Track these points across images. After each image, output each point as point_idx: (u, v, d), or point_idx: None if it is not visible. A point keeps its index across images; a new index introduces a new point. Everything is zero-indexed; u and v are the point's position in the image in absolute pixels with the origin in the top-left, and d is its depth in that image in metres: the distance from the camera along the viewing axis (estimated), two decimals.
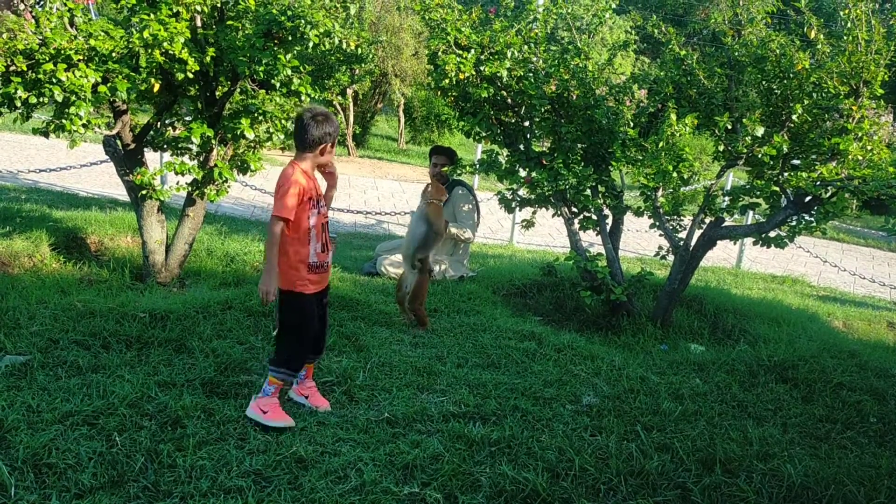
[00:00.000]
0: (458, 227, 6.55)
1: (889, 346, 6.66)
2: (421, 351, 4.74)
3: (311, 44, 4.51)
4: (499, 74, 5.63)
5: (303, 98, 4.87)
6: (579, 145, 6.07)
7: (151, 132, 5.35)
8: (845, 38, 5.31)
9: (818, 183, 5.19)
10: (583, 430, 3.85)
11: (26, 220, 6.39)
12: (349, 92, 17.51)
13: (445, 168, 6.36)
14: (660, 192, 5.71)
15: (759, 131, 5.39)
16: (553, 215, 6.29)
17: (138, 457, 3.10)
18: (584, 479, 3.34)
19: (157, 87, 4.65)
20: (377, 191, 13.16)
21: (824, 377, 4.98)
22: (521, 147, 6.17)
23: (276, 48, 4.60)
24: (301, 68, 4.72)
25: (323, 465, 3.22)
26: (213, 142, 5.08)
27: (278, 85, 4.77)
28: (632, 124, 5.55)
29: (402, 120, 19.37)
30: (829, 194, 5.30)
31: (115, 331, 4.29)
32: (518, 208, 6.43)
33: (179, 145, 5.44)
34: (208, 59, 4.52)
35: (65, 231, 6.24)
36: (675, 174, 5.39)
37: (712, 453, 3.66)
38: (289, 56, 4.57)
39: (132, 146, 5.25)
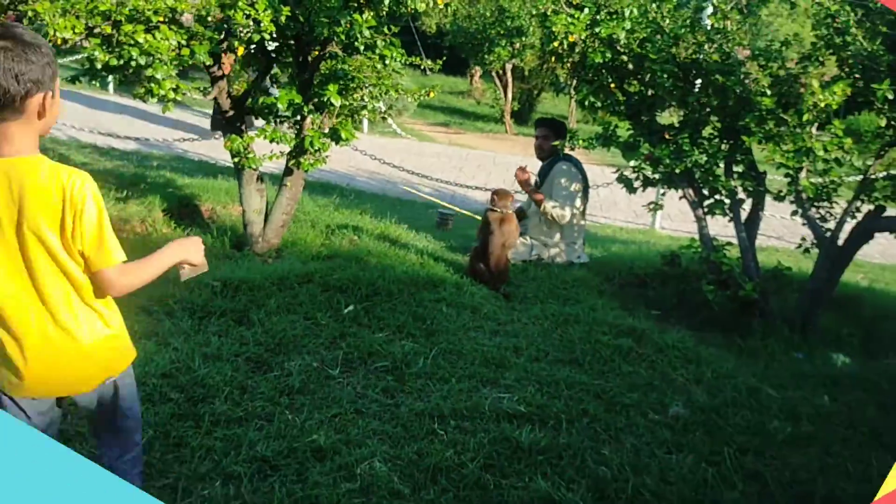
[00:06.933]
0: (552, 204, 5.93)
1: None
2: (499, 340, 4.32)
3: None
4: (615, 36, 5.03)
5: (387, 62, 4.56)
6: (713, 118, 5.33)
7: (249, 99, 5.28)
8: None
9: None
10: (657, 446, 3.29)
11: (151, 186, 6.60)
12: (508, 67, 17.09)
13: (557, 143, 5.82)
14: (802, 174, 4.87)
15: None
16: (680, 198, 5.58)
17: (148, 430, 2.96)
18: None
19: (241, 51, 4.53)
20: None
21: None
22: (644, 119, 5.51)
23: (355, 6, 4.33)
24: (385, 30, 4.42)
25: (339, 459, 2.92)
26: (305, 109, 4.91)
27: (362, 48, 4.49)
28: (769, 92, 4.72)
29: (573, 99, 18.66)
30: None
31: (183, 298, 4.23)
32: (642, 189, 5.75)
33: (279, 113, 5.33)
34: (283, 18, 4.31)
35: (181, 197, 6.38)
36: (821, 152, 4.57)
37: (812, 490, 2.99)
38: (366, 16, 4.27)
39: (230, 113, 5.21)
